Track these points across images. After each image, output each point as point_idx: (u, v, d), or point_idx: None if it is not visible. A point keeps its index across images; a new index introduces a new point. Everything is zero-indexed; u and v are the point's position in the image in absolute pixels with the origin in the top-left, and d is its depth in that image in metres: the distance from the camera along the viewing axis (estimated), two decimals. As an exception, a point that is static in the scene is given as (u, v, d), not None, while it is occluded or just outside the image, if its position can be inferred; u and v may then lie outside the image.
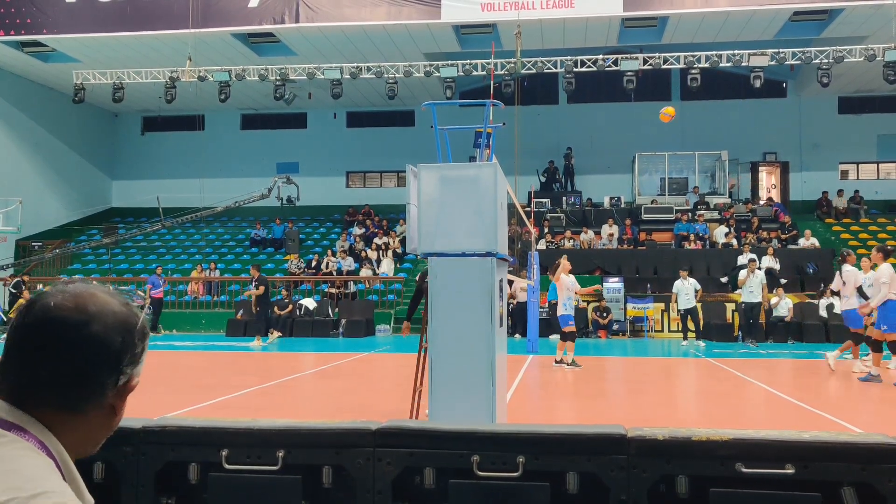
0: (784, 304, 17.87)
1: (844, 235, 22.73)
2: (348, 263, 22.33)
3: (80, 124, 26.74)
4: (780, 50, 18.95)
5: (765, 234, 22.30)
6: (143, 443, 2.31)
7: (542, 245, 21.34)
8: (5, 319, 18.73)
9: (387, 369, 13.00)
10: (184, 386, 10.06)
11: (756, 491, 2.08)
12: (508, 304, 15.63)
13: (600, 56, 19.90)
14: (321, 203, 26.78)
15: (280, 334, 17.89)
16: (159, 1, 19.41)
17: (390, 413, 7.23)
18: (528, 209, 18.50)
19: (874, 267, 10.61)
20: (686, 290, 16.62)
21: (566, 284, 12.32)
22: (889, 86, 19.60)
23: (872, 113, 25.42)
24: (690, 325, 16.83)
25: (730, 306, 18.65)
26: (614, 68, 19.51)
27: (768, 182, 26.62)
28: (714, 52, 19.01)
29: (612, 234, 22.81)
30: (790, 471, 2.06)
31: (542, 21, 18.72)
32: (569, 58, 19.50)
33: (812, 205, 24.98)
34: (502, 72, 19.12)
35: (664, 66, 19.42)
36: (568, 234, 23.03)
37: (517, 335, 17.89)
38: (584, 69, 19.59)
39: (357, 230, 24.66)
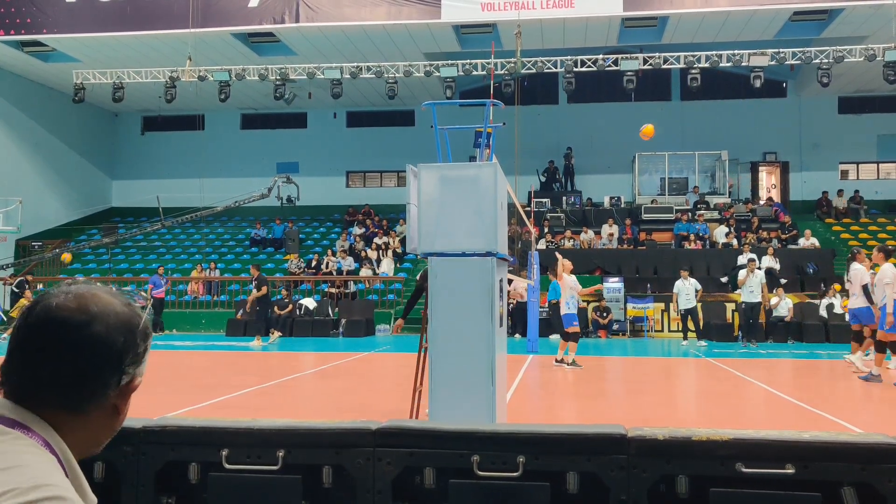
0: (784, 304, 17.87)
1: (844, 235, 22.74)
2: (348, 263, 22.33)
3: (80, 124, 26.74)
4: (780, 50, 18.95)
5: (765, 234, 22.29)
6: (144, 442, 2.31)
7: (542, 245, 21.33)
8: (6, 319, 18.73)
9: (387, 369, 13.00)
10: (184, 386, 10.06)
11: (756, 491, 2.08)
12: (509, 304, 15.61)
13: (600, 56, 19.89)
14: (321, 203, 26.78)
15: (281, 334, 17.89)
16: (159, 1, 19.41)
17: (390, 413, 7.23)
18: (528, 209, 18.48)
19: (875, 267, 10.61)
20: (686, 289, 16.62)
21: (569, 283, 12.25)
22: (889, 86, 19.60)
23: (872, 113, 25.41)
24: (690, 325, 16.83)
25: (730, 306, 18.64)
26: (614, 68, 19.51)
27: (768, 182, 26.61)
28: (714, 52, 19.00)
29: (612, 234, 22.81)
30: (790, 471, 2.06)
31: (542, 21, 18.73)
32: (569, 58, 19.49)
33: (812, 205, 24.98)
34: (502, 72, 19.11)
35: (664, 66, 19.42)
36: (568, 233, 23.03)
37: (517, 335, 17.89)
38: (584, 69, 19.59)
39: (357, 230, 24.66)
